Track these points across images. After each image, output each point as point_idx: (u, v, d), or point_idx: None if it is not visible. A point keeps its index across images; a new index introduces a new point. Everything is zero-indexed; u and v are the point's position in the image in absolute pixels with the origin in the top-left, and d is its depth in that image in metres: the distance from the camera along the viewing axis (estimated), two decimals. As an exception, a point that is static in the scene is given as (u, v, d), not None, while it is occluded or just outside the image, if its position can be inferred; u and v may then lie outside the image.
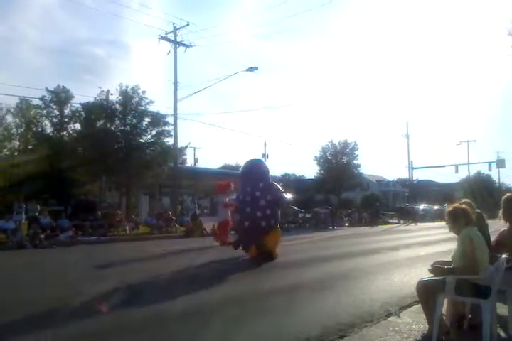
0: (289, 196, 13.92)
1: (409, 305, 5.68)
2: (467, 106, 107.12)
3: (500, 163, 48.01)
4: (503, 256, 4.22)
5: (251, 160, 12.39)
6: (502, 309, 4.71)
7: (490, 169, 49.83)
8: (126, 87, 25.42)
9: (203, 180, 41.26)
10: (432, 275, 4.31)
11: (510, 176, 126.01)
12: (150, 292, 6.93)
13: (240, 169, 13.62)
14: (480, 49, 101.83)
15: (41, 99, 28.98)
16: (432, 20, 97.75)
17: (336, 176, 38.73)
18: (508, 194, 5.10)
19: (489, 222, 5.62)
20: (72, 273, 9.18)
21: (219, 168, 61.51)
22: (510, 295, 4.48)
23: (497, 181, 64.33)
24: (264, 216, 10.97)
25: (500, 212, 4.94)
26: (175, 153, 26.22)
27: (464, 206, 4.37)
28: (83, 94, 52.83)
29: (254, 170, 11.72)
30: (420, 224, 33.88)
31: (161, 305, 5.88)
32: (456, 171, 48.31)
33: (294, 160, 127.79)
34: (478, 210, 5.37)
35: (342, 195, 42.27)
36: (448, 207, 4.46)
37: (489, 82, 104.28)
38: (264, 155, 50.08)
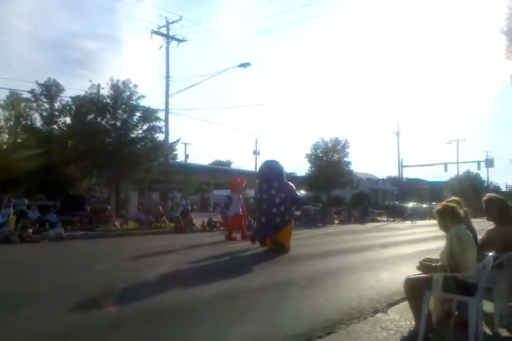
0: (302, 193, 14.49)
1: (397, 302, 5.72)
2: (457, 105, 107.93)
3: (489, 163, 48.55)
4: (490, 254, 4.27)
5: (267, 161, 13.34)
6: (488, 306, 4.76)
7: (479, 168, 50.37)
8: (117, 80, 25.23)
9: (194, 175, 41.26)
10: (420, 272, 4.34)
11: (498, 175, 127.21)
12: (143, 288, 6.90)
13: (258, 169, 15.36)
14: (471, 48, 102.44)
15: (31, 92, 28.66)
16: (424, 21, 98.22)
17: (327, 173, 38.80)
18: (488, 195, 5.17)
19: (478, 220, 5.67)
20: (59, 268, 9.13)
21: (210, 164, 61.49)
22: (496, 293, 4.53)
23: (486, 180, 65.00)
24: (278, 212, 11.96)
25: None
26: (166, 149, 26.09)
27: (452, 204, 4.40)
28: (75, 88, 52.38)
29: (270, 171, 12.72)
30: (409, 222, 34.12)
31: (153, 302, 5.88)
32: (446, 170, 48.84)
33: (285, 157, 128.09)
34: (465, 208, 5.44)
35: (332, 193, 42.39)
36: (437, 206, 4.49)
37: (480, 81, 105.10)
38: (256, 152, 50.23)
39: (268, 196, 12.22)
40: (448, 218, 4.24)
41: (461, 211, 4.30)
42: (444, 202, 4.48)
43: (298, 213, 30.68)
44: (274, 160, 13.40)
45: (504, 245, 4.59)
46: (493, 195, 5.15)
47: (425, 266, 4.28)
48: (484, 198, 5.13)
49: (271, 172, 12.65)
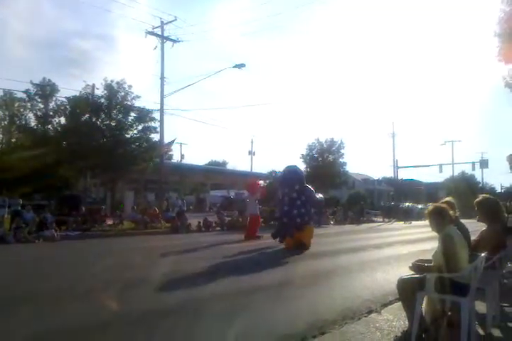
0: (320, 196, 16.09)
1: (391, 303, 5.74)
2: (452, 106, 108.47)
3: (484, 164, 48.65)
4: (482, 254, 4.30)
5: (288, 166, 14.34)
6: (481, 307, 4.80)
7: (473, 169, 50.42)
8: (112, 81, 25.19)
9: (189, 176, 41.25)
10: (413, 272, 4.37)
11: (493, 176, 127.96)
12: (146, 288, 6.90)
13: (280, 174, 17.13)
14: (466, 50, 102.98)
15: (25, 92, 28.58)
16: (419, 22, 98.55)
17: (322, 174, 38.86)
18: (480, 196, 5.21)
19: (472, 221, 5.69)
20: (55, 268, 9.11)
21: (206, 165, 61.45)
22: (488, 293, 4.56)
23: (480, 181, 65.29)
24: (299, 213, 13.03)
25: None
26: (161, 149, 26.05)
27: (443, 205, 4.43)
28: (69, 88, 52.24)
29: (292, 175, 13.79)
30: (404, 223, 34.22)
31: (149, 303, 5.88)
32: (441, 171, 48.87)
33: (281, 157, 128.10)
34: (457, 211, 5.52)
35: (328, 193, 42.46)
36: (429, 207, 4.52)
37: (474, 83, 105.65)
38: (251, 152, 50.13)
39: (289, 198, 13.26)
40: (439, 219, 4.26)
41: (451, 212, 4.33)
42: (435, 204, 4.52)
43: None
44: (295, 166, 14.66)
45: (496, 246, 4.63)
46: (486, 196, 5.18)
47: (418, 266, 4.31)
48: (476, 200, 5.17)
49: (292, 177, 13.68)
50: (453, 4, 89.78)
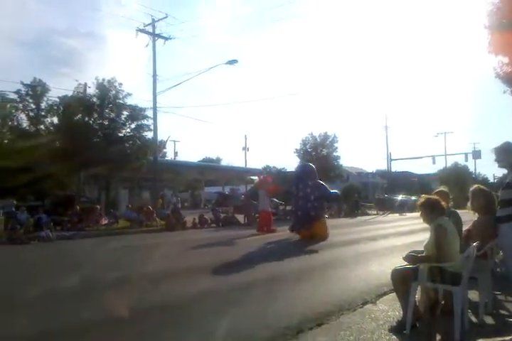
0: (336, 192, 17.64)
1: (386, 293, 5.83)
2: (444, 98, 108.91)
3: (476, 154, 48.94)
4: (474, 244, 4.39)
5: (302, 163, 16.56)
6: (473, 295, 4.90)
7: (466, 160, 50.69)
8: (103, 79, 25.09)
9: (184, 173, 41.20)
10: (407, 263, 4.45)
11: (486, 166, 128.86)
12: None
13: (294, 170, 18.51)
14: (456, 43, 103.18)
15: (17, 92, 28.39)
16: (410, 14, 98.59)
17: (316, 168, 38.91)
18: (474, 186, 5.28)
19: (465, 211, 5.74)
20: (59, 268, 9.13)
21: (200, 161, 61.38)
22: (480, 282, 4.65)
23: (473, 172, 65.72)
24: (313, 207, 14.22)
25: (469, 203, 5.12)
26: (154, 147, 26.03)
27: (434, 197, 4.51)
28: (60, 88, 51.75)
29: (305, 172, 15.23)
30: (398, 215, 34.41)
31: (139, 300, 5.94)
32: (434, 162, 49.18)
33: (275, 152, 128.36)
34: (451, 201, 5.60)
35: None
36: (420, 199, 4.59)
37: (465, 75, 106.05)
38: (245, 148, 50.21)
39: (304, 193, 14.43)
40: (430, 211, 4.34)
41: (443, 203, 4.41)
42: (426, 196, 4.59)
43: (289, 208, 30.93)
44: (308, 163, 16.14)
45: (488, 235, 4.71)
46: (480, 187, 5.25)
47: (411, 256, 4.39)
48: (471, 189, 5.23)
49: (306, 173, 15.06)
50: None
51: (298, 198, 14.67)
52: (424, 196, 4.57)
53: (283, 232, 15.72)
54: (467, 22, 70.96)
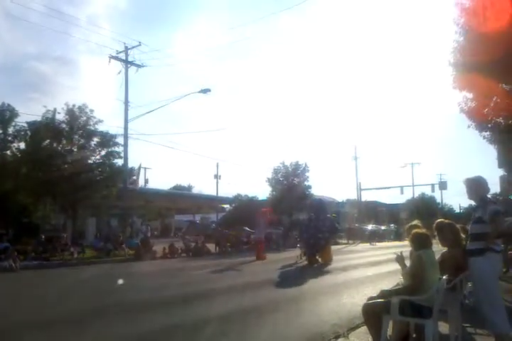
0: (338, 225, 20.96)
1: (357, 326, 5.80)
2: (413, 130, 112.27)
3: (443, 185, 50.35)
4: (444, 277, 4.44)
5: (315, 198, 20.30)
6: (443, 328, 4.92)
7: (433, 190, 52.13)
8: (73, 105, 24.87)
9: (154, 201, 40.60)
10: (376, 295, 4.46)
11: (451, 196, 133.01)
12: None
13: (308, 205, 22.42)
14: (425, 78, 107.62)
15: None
16: (379, 49, 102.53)
17: (288, 197, 39.13)
18: (437, 220, 5.40)
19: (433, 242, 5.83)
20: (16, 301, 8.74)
21: (171, 189, 60.71)
22: (450, 315, 4.69)
23: (440, 202, 67.13)
24: (323, 237, 17.15)
25: (436, 236, 5.23)
26: (125, 174, 25.65)
27: (426, 232, 4.63)
28: (29, 113, 50.67)
29: (318, 206, 18.70)
30: (368, 245, 34.61)
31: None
32: (402, 192, 50.27)
33: (247, 181, 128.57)
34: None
35: (293, 216, 42.64)
36: (411, 232, 4.71)
37: (433, 108, 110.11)
38: (217, 176, 50.00)
39: (315, 224, 17.41)
40: (418, 244, 4.48)
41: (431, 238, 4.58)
42: (419, 230, 4.68)
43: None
44: (320, 199, 21.16)
45: (457, 268, 4.78)
46: (442, 220, 5.38)
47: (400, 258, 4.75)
48: (435, 225, 5.34)
49: (322, 208, 18.57)
50: (411, 35, 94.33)
51: (310, 228, 17.49)
52: (415, 231, 4.68)
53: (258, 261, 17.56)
54: (433, 58, 74.30)
